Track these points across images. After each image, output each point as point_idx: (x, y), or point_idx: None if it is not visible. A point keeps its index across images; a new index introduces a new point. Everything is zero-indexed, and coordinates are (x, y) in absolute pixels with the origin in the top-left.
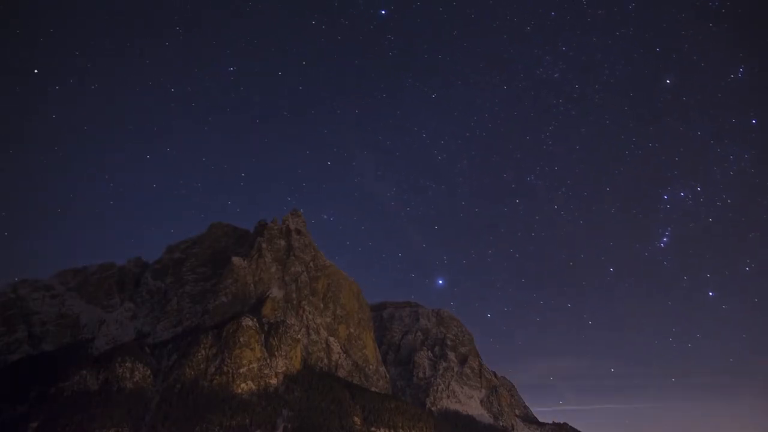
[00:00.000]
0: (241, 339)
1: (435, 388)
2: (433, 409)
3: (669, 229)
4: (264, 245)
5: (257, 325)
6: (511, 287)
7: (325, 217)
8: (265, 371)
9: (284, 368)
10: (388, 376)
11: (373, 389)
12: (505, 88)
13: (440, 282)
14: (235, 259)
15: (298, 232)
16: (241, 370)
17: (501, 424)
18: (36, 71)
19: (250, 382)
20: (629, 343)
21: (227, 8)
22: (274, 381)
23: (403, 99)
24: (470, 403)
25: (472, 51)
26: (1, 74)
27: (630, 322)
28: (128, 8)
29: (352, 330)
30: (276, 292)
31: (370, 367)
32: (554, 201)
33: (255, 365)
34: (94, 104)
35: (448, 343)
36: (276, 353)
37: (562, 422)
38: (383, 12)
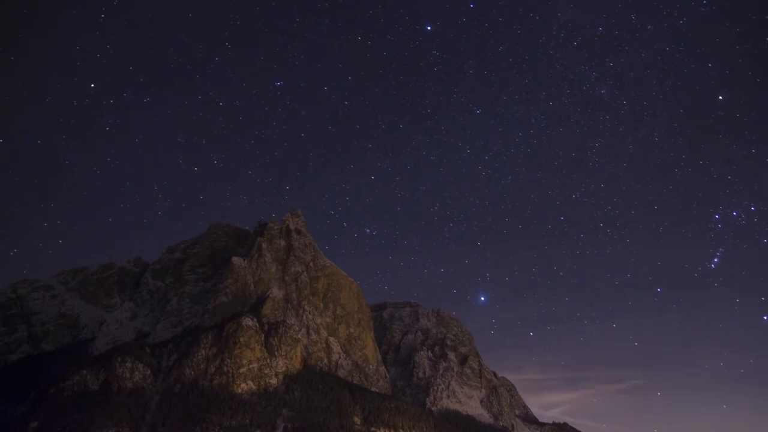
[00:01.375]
0: (241, 339)
1: (435, 388)
2: (433, 409)
3: (721, 249)
4: (264, 245)
5: (257, 325)
6: (555, 306)
7: (368, 231)
8: (265, 371)
9: (284, 368)
10: (388, 376)
11: (373, 389)
12: (551, 104)
13: (482, 299)
14: (235, 259)
15: (298, 232)
16: (241, 370)
17: (501, 424)
18: (92, 85)
19: (250, 382)
20: (677, 367)
21: (275, 24)
22: (274, 381)
23: (448, 114)
24: (470, 403)
25: (518, 66)
26: (61, 89)
27: (678, 345)
28: (179, 25)
29: (352, 330)
30: (276, 292)
31: (370, 367)
32: (600, 219)
33: (255, 365)
34: (145, 117)
35: (448, 343)
36: (276, 353)
37: (562, 422)
38: (429, 27)
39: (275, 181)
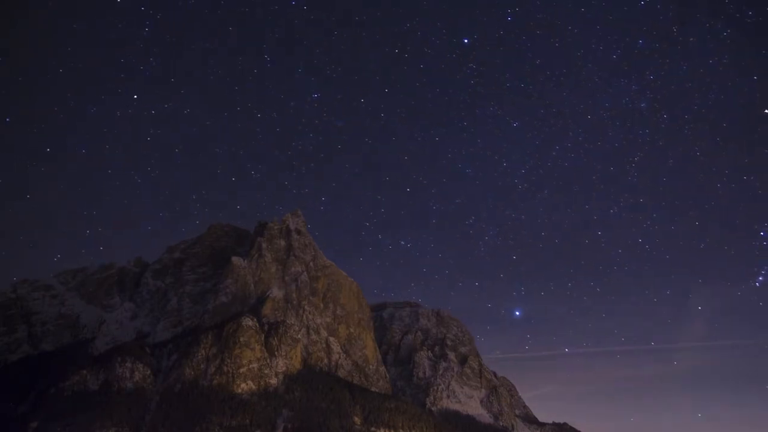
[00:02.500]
0: (241, 339)
1: (435, 388)
2: (433, 409)
3: (766, 267)
4: (264, 245)
5: (257, 325)
6: (591, 322)
7: (403, 243)
8: (265, 371)
9: (284, 368)
10: (388, 376)
11: (373, 389)
12: (588, 118)
13: (517, 313)
14: (235, 259)
15: (298, 232)
16: (241, 370)
17: (501, 424)
18: (135, 96)
19: (250, 382)
20: (719, 390)
21: (313, 37)
22: (274, 381)
23: (484, 127)
24: (470, 403)
25: (556, 79)
26: (106, 100)
27: (721, 366)
28: (220, 38)
29: (352, 330)
30: (276, 292)
31: (370, 367)
32: (639, 234)
33: (255, 365)
34: (186, 128)
35: (448, 343)
36: (276, 353)
37: (562, 422)
38: (466, 41)
39: (311, 192)
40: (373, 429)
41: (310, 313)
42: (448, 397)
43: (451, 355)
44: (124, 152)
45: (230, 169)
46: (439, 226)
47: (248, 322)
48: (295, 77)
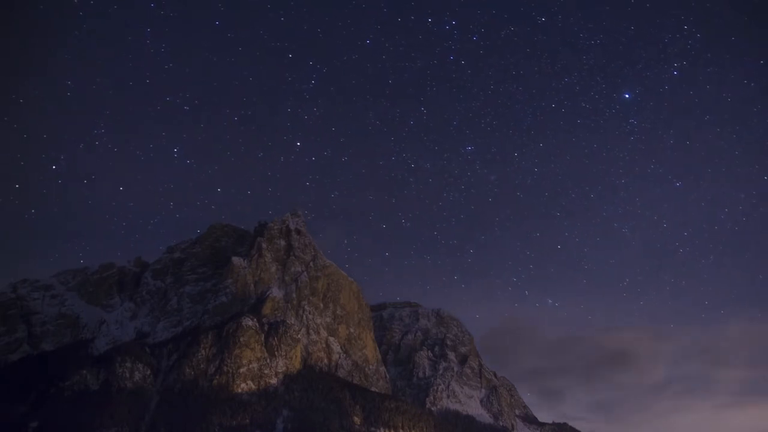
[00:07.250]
0: (241, 339)
1: (435, 388)
2: (433, 409)
3: None
4: (264, 245)
5: (257, 325)
6: (762, 406)
7: (551, 301)
8: (265, 371)
9: (284, 368)
10: (388, 376)
11: (373, 389)
12: (765, 179)
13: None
14: (235, 259)
15: (298, 232)
16: (241, 370)
17: (501, 424)
18: (298, 144)
19: (250, 382)
20: None
21: (470, 91)
22: (274, 381)
23: (644, 186)
24: (470, 403)
25: (727, 137)
26: (272, 146)
27: None
28: (380, 90)
29: (352, 330)
30: (276, 292)
31: (370, 367)
32: None
33: (255, 365)
34: (342, 174)
35: (448, 343)
36: (276, 353)
37: (562, 422)
38: (627, 95)
39: (459, 243)
40: (373, 429)
41: (310, 313)
42: (448, 397)
43: (451, 355)
44: (284, 196)
45: (381, 217)
46: (590, 286)
47: (248, 322)
48: (450, 129)
